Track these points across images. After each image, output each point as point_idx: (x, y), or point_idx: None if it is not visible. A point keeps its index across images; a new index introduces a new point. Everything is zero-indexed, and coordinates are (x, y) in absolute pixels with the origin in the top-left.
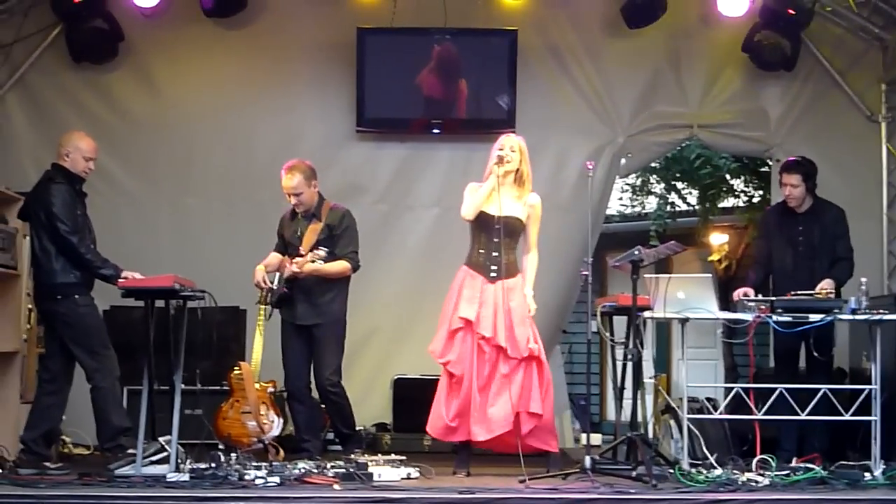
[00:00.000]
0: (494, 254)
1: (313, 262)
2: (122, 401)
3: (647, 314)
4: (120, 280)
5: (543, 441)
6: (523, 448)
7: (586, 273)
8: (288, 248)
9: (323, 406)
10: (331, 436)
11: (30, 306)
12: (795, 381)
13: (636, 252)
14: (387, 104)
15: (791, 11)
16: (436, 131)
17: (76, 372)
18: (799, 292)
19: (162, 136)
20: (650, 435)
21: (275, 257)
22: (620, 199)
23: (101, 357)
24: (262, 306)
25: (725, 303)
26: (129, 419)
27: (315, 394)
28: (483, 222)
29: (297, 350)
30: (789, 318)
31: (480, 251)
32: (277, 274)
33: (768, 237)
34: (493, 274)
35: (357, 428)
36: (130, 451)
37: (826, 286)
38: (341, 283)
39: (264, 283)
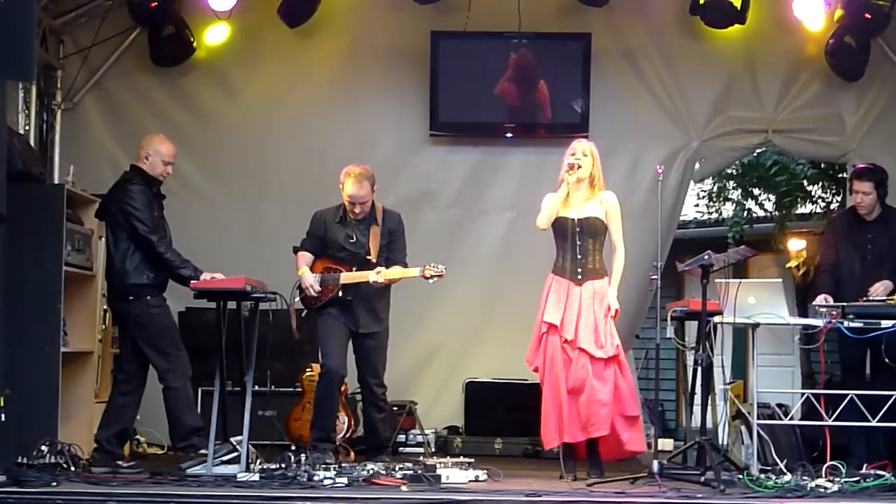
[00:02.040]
0: (579, 257)
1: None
2: (194, 401)
3: (717, 319)
4: (193, 281)
5: (639, 443)
6: (621, 454)
7: (655, 278)
8: (335, 250)
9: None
10: (401, 438)
11: (104, 307)
12: (862, 388)
13: (706, 257)
14: (460, 108)
15: (867, 16)
16: (509, 135)
17: (150, 372)
18: (870, 298)
19: (236, 139)
20: (722, 441)
21: (310, 259)
22: (696, 205)
23: (172, 357)
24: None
25: (804, 309)
26: (200, 419)
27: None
28: (562, 228)
29: (343, 346)
30: (860, 325)
31: (566, 256)
32: (318, 276)
33: (836, 244)
34: (579, 277)
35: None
36: (202, 451)
37: (880, 288)
38: (390, 290)
39: (312, 288)
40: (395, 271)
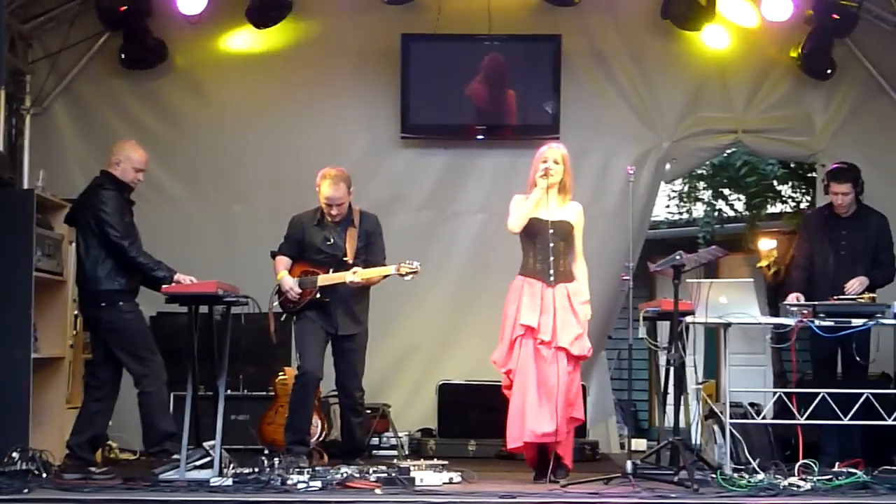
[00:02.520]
0: (551, 258)
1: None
2: (168, 406)
3: (689, 319)
4: (164, 286)
5: (568, 451)
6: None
7: (627, 278)
8: (313, 253)
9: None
10: (375, 441)
11: (76, 312)
12: (834, 386)
13: (677, 257)
14: (431, 110)
15: (835, 16)
16: (480, 137)
17: (123, 378)
18: (841, 297)
19: (208, 143)
20: (695, 440)
21: (289, 263)
22: (668, 206)
23: (147, 362)
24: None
25: (775, 308)
26: (174, 424)
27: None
28: (535, 229)
29: (320, 349)
30: (832, 323)
31: (537, 257)
32: (296, 280)
33: (810, 240)
34: (551, 278)
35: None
36: (175, 456)
37: (856, 283)
38: (369, 291)
39: (293, 291)
40: (371, 270)
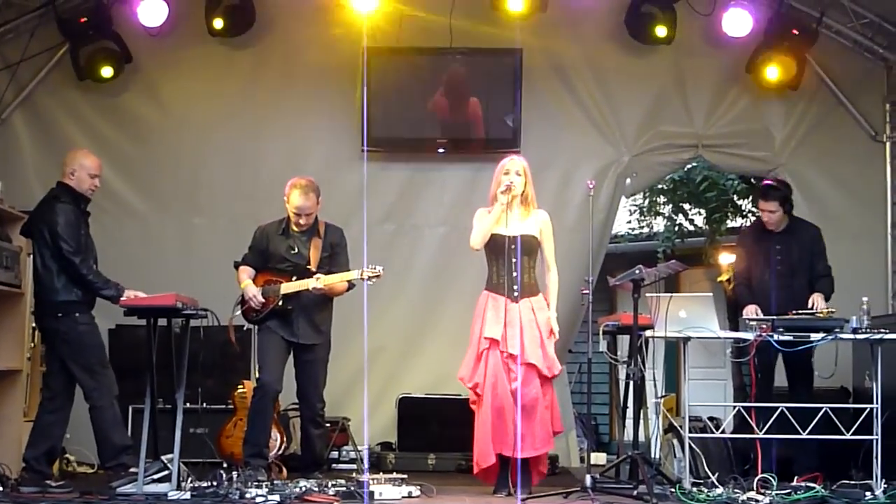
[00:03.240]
0: (514, 274)
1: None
2: (121, 419)
3: (648, 333)
4: (122, 298)
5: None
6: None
7: (587, 292)
8: (276, 262)
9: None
10: (334, 454)
11: (33, 325)
12: (772, 397)
13: (637, 271)
14: (392, 124)
15: (795, 31)
16: (441, 151)
17: (78, 390)
18: (800, 311)
19: (168, 155)
20: (655, 454)
21: (252, 273)
22: (629, 221)
23: (99, 376)
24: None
25: (735, 322)
26: (129, 437)
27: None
28: (497, 245)
29: (281, 361)
30: (791, 338)
31: (500, 273)
32: (259, 288)
33: (747, 257)
34: (515, 294)
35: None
36: (133, 469)
37: (818, 300)
38: (332, 302)
39: (255, 299)
40: (335, 276)
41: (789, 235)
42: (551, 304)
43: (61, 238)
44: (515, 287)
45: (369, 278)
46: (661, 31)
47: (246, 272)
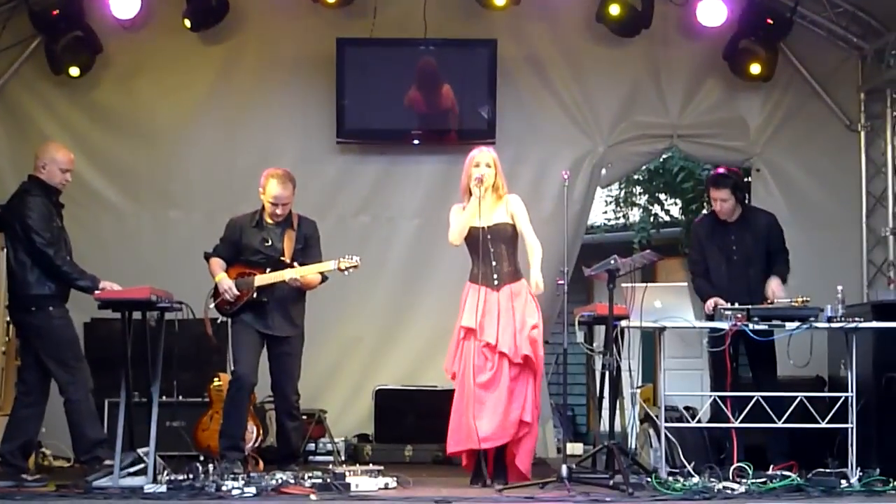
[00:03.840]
0: (493, 263)
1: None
2: (96, 413)
3: (624, 323)
4: (96, 291)
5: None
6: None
7: (562, 283)
8: (250, 255)
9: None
10: (311, 447)
11: (7, 319)
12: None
13: (612, 261)
14: (367, 116)
15: (769, 21)
16: (416, 142)
17: (53, 384)
18: (773, 302)
19: (143, 148)
20: (631, 444)
21: (223, 265)
22: (605, 211)
23: (73, 370)
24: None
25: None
26: (104, 431)
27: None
28: (473, 238)
29: (255, 353)
30: (765, 327)
31: (479, 263)
32: (234, 281)
33: (702, 250)
34: (495, 283)
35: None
36: (108, 462)
37: (775, 287)
38: (305, 295)
39: (230, 292)
40: (311, 267)
41: (744, 224)
42: (534, 265)
43: (33, 231)
44: (495, 276)
45: (346, 269)
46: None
47: (218, 264)
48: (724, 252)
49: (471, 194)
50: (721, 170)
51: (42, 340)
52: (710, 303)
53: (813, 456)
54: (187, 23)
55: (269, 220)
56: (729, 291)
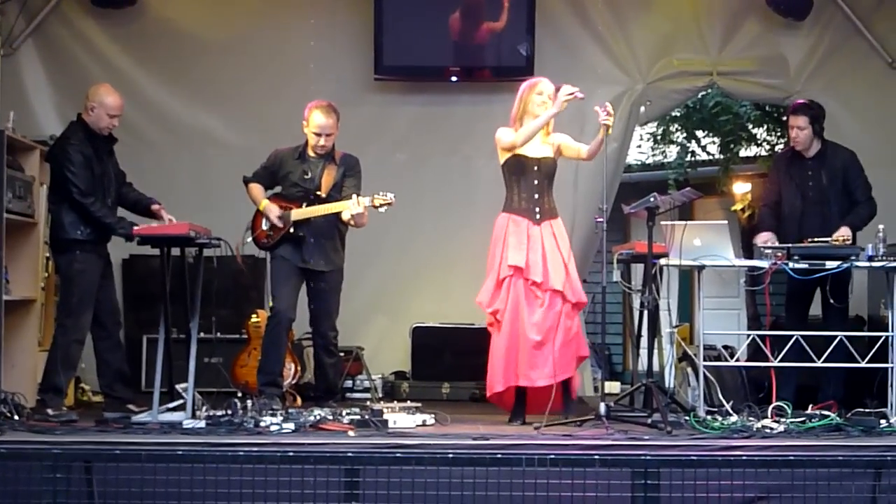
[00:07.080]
0: (536, 196)
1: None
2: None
3: (662, 262)
4: (135, 227)
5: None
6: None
7: (601, 220)
8: (287, 186)
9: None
10: (348, 383)
11: (47, 255)
12: (805, 326)
13: (651, 199)
14: (405, 52)
15: None
16: (454, 79)
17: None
18: (815, 239)
19: (181, 85)
20: (669, 383)
21: (264, 191)
22: (639, 146)
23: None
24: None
25: (750, 251)
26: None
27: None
28: (521, 166)
29: (294, 290)
30: (805, 266)
31: (522, 195)
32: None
33: (778, 182)
34: (537, 216)
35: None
36: (130, 406)
37: (844, 233)
38: (343, 232)
39: (282, 220)
40: (341, 203)
41: (821, 160)
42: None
43: (71, 182)
44: (537, 210)
45: (380, 206)
46: None
47: (260, 190)
48: (800, 187)
49: (521, 125)
50: (802, 100)
51: (60, 279)
52: (763, 236)
53: (853, 396)
54: None
55: (312, 154)
56: (802, 228)
